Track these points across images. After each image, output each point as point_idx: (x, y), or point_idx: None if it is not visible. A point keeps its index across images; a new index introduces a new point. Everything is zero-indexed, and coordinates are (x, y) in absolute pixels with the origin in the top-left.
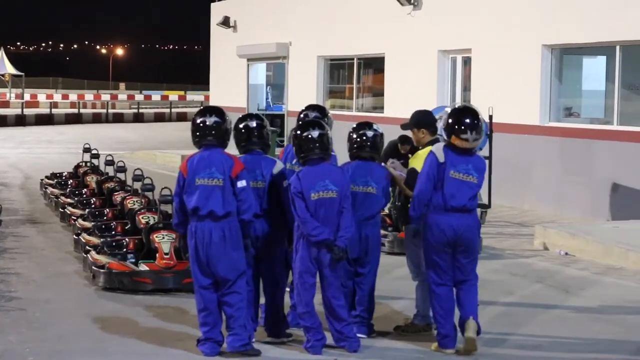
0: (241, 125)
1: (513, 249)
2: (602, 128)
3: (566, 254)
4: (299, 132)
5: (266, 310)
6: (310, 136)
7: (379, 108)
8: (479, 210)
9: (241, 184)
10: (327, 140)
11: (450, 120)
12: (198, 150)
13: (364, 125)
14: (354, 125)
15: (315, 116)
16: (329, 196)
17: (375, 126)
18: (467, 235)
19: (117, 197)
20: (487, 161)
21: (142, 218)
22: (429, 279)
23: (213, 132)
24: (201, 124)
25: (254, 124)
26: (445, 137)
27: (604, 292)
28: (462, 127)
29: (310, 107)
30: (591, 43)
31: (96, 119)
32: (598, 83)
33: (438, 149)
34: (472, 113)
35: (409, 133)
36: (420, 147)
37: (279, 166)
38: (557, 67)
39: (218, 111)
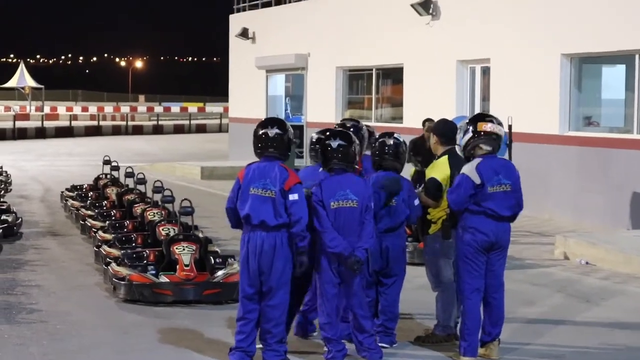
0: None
1: (533, 259)
2: (622, 137)
3: (587, 263)
4: (325, 140)
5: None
6: (331, 146)
7: (398, 118)
8: None
9: (293, 197)
10: (350, 152)
11: (469, 120)
12: (257, 160)
13: (385, 135)
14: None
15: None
16: (349, 205)
17: (396, 135)
18: (506, 237)
19: (137, 209)
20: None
21: (163, 230)
22: (463, 285)
23: (275, 144)
24: (263, 136)
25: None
26: (470, 132)
27: (625, 302)
28: (483, 116)
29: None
30: (610, 52)
31: (116, 131)
32: (617, 92)
33: (471, 170)
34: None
35: None
36: (435, 157)
37: None
38: (576, 76)
39: (280, 123)
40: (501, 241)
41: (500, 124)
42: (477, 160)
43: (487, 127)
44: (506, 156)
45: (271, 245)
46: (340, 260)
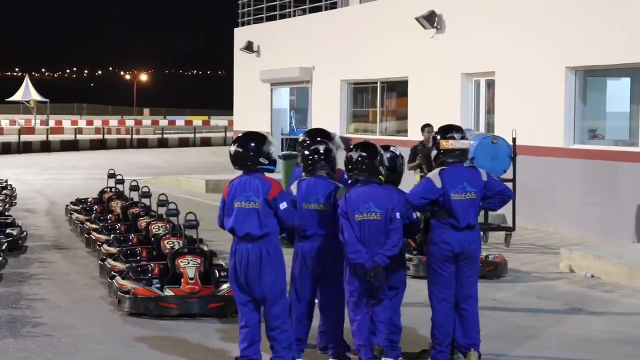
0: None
1: (538, 272)
2: (627, 150)
3: (592, 276)
4: (349, 152)
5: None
6: (352, 157)
7: (403, 131)
8: (504, 233)
9: (283, 205)
10: (374, 163)
11: (435, 135)
12: (239, 174)
13: (382, 148)
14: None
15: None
16: (372, 218)
17: (392, 148)
18: (472, 248)
19: (142, 222)
20: (509, 184)
21: (167, 243)
22: (430, 296)
23: (242, 158)
24: (238, 151)
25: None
26: (435, 150)
27: (630, 315)
28: (447, 131)
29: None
30: (615, 65)
31: (121, 144)
32: (622, 105)
33: (434, 175)
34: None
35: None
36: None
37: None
38: (581, 89)
39: (239, 140)
40: (467, 252)
41: (464, 137)
42: (443, 168)
43: (449, 144)
44: (510, 169)
45: (257, 256)
46: (361, 271)
